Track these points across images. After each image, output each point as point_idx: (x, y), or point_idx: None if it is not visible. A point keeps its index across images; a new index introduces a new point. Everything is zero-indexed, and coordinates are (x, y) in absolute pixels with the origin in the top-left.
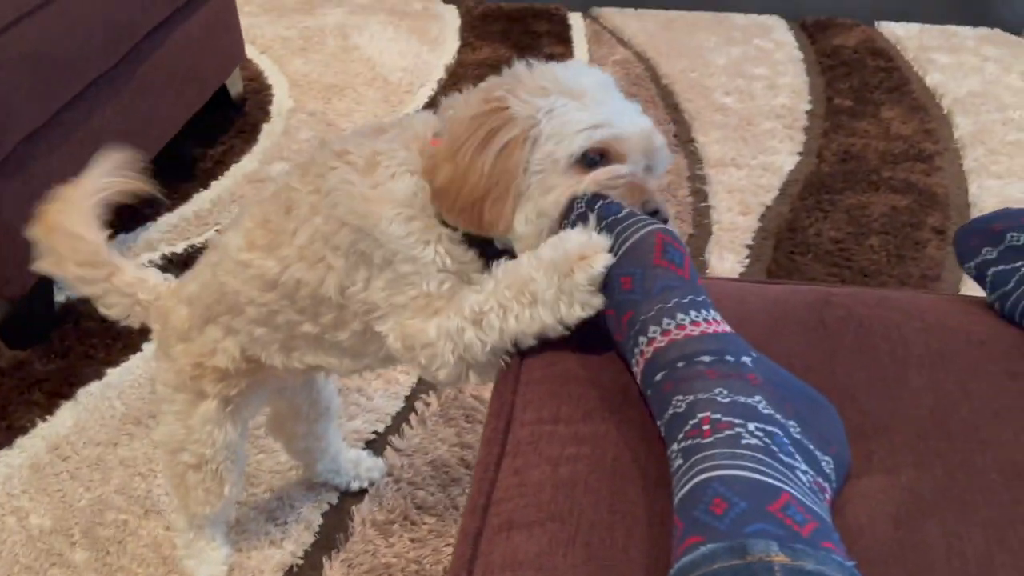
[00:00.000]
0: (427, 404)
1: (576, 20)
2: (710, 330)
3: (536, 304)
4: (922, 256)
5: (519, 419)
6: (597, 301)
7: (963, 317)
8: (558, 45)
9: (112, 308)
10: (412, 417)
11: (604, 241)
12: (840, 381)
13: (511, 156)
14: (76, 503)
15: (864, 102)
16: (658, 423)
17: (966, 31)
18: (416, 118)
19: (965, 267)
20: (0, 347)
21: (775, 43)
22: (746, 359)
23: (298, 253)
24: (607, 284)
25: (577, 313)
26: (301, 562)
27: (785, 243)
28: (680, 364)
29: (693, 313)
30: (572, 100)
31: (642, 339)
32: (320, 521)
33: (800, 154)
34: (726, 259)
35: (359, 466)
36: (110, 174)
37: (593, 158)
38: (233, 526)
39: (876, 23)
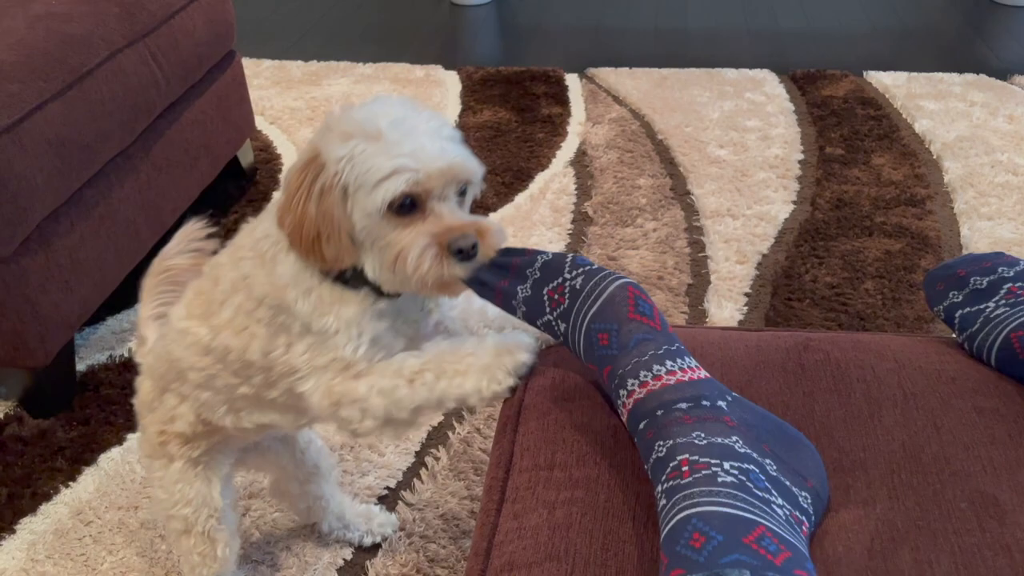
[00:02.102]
0: (437, 459)
1: (573, 81)
2: (686, 378)
3: (467, 374)
4: (917, 298)
5: (517, 466)
6: (510, 383)
7: (934, 356)
8: (556, 106)
9: None
10: (423, 472)
11: (530, 341)
12: (818, 420)
13: (327, 201)
14: (99, 566)
15: (855, 150)
16: (646, 467)
17: (952, 77)
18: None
19: (934, 310)
20: (23, 416)
21: (766, 96)
22: (722, 403)
23: (226, 322)
24: (587, 340)
25: (494, 388)
26: None
27: (782, 290)
28: (659, 412)
29: (669, 363)
30: (370, 143)
31: (623, 392)
32: None
33: (794, 202)
34: (725, 307)
35: (371, 521)
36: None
37: (404, 203)
38: None
39: (864, 73)
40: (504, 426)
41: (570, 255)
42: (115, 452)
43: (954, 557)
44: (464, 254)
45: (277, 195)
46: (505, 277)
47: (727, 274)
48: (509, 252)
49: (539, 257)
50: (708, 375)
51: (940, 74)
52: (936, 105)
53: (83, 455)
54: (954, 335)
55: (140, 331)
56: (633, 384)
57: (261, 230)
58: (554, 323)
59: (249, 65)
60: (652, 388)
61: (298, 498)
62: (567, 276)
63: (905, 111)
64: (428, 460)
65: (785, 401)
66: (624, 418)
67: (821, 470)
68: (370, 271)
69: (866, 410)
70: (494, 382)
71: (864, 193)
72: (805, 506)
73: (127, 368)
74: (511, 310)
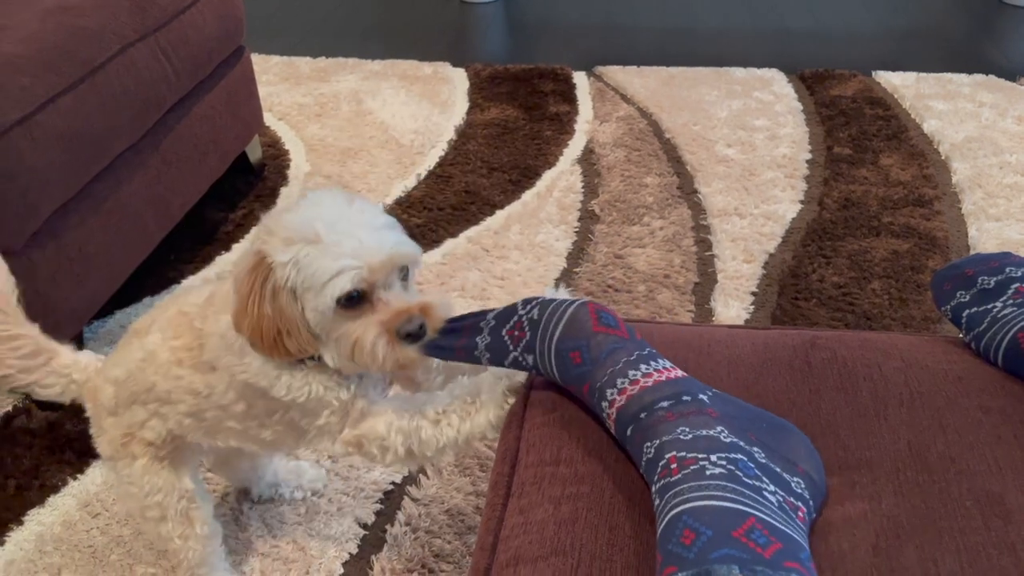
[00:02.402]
0: None
1: (580, 79)
2: (663, 378)
3: (480, 410)
4: (924, 299)
5: (523, 462)
6: (512, 402)
7: (941, 356)
8: (563, 103)
9: (50, 388)
10: (429, 469)
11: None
12: (824, 417)
13: (280, 299)
14: (107, 558)
15: (863, 150)
16: (640, 471)
17: (961, 78)
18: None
19: (941, 310)
20: (32, 409)
21: (775, 95)
22: (703, 396)
23: (222, 390)
24: (560, 362)
25: (501, 414)
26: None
27: (789, 289)
28: (643, 415)
29: (643, 367)
30: (312, 247)
31: (604, 404)
32: (341, 571)
33: (801, 202)
34: (731, 306)
35: (301, 477)
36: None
37: (352, 296)
38: None
39: (873, 73)
40: (510, 422)
41: (520, 300)
42: None
43: (959, 555)
44: (412, 336)
45: (286, 190)
46: (461, 337)
47: (734, 273)
48: (458, 319)
49: (488, 313)
50: (685, 374)
51: (949, 75)
52: (945, 106)
53: (91, 448)
54: (961, 335)
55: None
56: (612, 393)
57: (222, 325)
58: (520, 358)
59: (258, 61)
60: (631, 393)
61: (240, 470)
62: (521, 312)
63: (914, 111)
64: None
65: (791, 399)
66: (612, 429)
67: (813, 454)
68: (330, 361)
69: (872, 408)
70: (501, 408)
71: (872, 193)
72: (799, 491)
73: None
74: (475, 361)
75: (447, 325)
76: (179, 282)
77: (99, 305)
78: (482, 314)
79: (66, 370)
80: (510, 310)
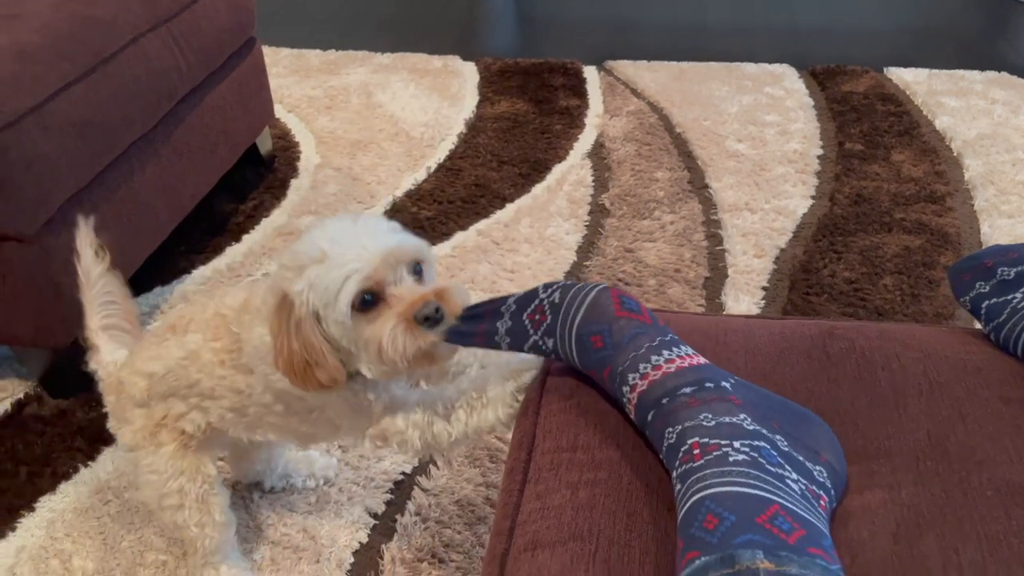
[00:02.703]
0: None
1: (591, 73)
2: (685, 364)
3: (488, 406)
4: (936, 295)
5: (540, 447)
6: (520, 400)
7: (960, 347)
8: (574, 98)
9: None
10: (439, 459)
11: (532, 358)
12: (843, 407)
13: (304, 331)
14: (118, 545)
15: (875, 146)
16: (660, 457)
17: (974, 75)
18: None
19: (960, 301)
20: (43, 396)
21: (786, 91)
22: (726, 383)
23: (260, 388)
24: (580, 346)
25: (510, 412)
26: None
27: (800, 284)
28: (665, 400)
29: (665, 353)
30: (320, 266)
31: (625, 388)
32: (352, 560)
33: (813, 197)
34: (742, 301)
35: (312, 465)
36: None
37: (364, 299)
38: (268, 564)
39: (885, 69)
40: (526, 408)
41: (541, 285)
42: None
43: (980, 544)
44: (431, 320)
45: (296, 182)
46: (481, 323)
47: (745, 268)
48: (478, 305)
49: (509, 298)
50: (707, 361)
51: (961, 71)
52: (957, 102)
53: (102, 435)
54: (980, 325)
55: (92, 340)
56: (634, 378)
57: (258, 335)
58: (540, 342)
59: (268, 53)
60: (654, 378)
61: (257, 461)
62: (542, 296)
63: (926, 108)
64: None
65: (809, 388)
66: (632, 414)
67: (835, 444)
68: (367, 371)
69: (891, 398)
70: (510, 407)
71: (883, 189)
72: (821, 480)
73: None
74: (495, 347)
75: (467, 312)
76: (190, 272)
77: None
78: (503, 300)
79: (96, 366)
80: (531, 294)
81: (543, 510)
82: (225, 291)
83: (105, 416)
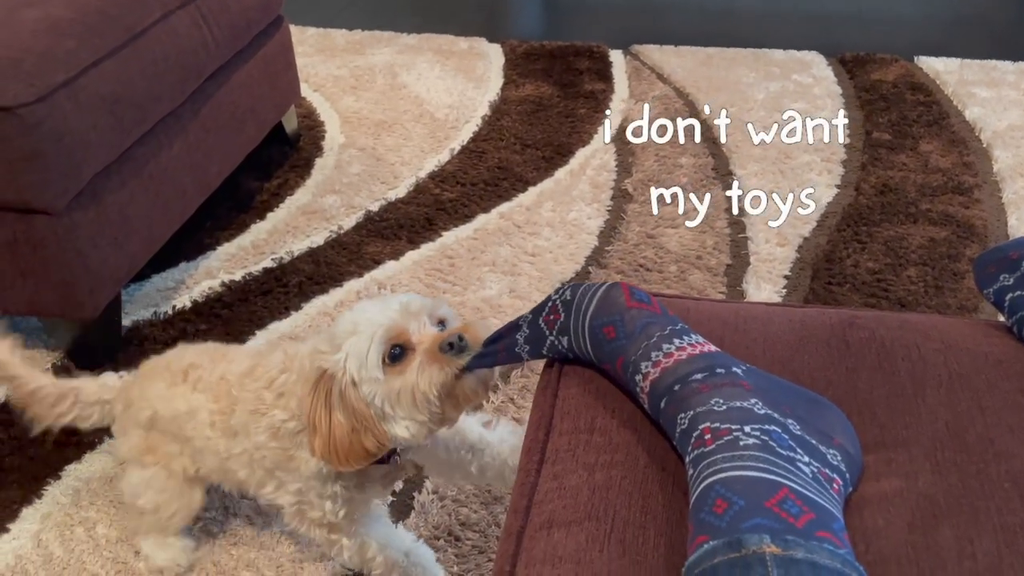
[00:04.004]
0: None
1: (617, 57)
2: (696, 351)
3: None
4: (960, 287)
5: (557, 428)
6: None
7: (982, 339)
8: (599, 82)
9: (89, 419)
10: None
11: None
12: (861, 396)
13: (349, 397)
14: None
15: (903, 136)
16: (674, 443)
17: (1006, 65)
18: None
19: (984, 293)
20: (71, 367)
21: (814, 78)
22: (737, 369)
23: (237, 455)
24: (593, 339)
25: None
26: (351, 573)
27: (822, 274)
28: (676, 387)
29: (676, 341)
30: (353, 337)
31: (638, 377)
32: None
33: (838, 187)
34: (763, 289)
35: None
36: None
37: (393, 353)
38: (288, 540)
39: (915, 58)
40: (544, 389)
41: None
42: None
43: (996, 535)
44: (454, 347)
45: (321, 161)
46: (502, 340)
47: (767, 256)
48: (497, 331)
49: (524, 315)
50: (718, 348)
51: (993, 61)
52: (988, 93)
53: None
54: (1003, 318)
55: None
56: (647, 367)
57: (279, 417)
58: (556, 341)
59: (294, 32)
60: (666, 366)
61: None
62: (554, 297)
63: (956, 98)
64: None
65: (827, 376)
66: (645, 403)
67: (848, 428)
68: (404, 431)
69: (910, 389)
70: None
71: (910, 179)
72: (835, 463)
73: (171, 325)
74: (517, 358)
75: (488, 339)
76: (215, 249)
77: (137, 268)
78: (520, 317)
79: (94, 398)
80: (544, 300)
81: (560, 490)
82: (236, 356)
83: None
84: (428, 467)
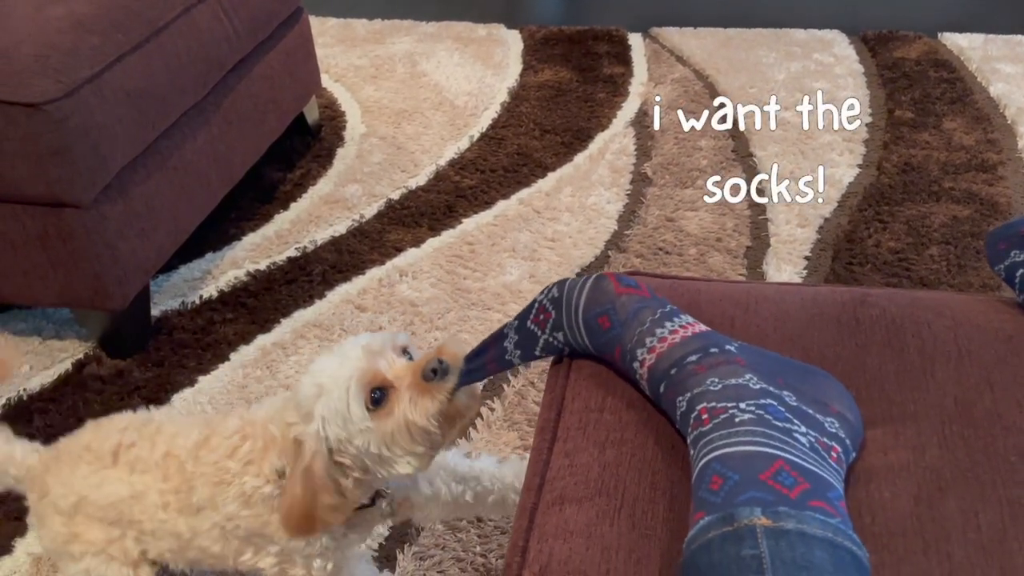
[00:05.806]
0: (492, 410)
1: (636, 40)
2: (688, 333)
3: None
4: (982, 266)
5: (569, 408)
6: None
7: (992, 315)
8: (618, 65)
9: None
10: (478, 422)
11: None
12: (870, 372)
13: (315, 466)
14: None
15: (926, 113)
16: (676, 427)
17: None
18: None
19: (995, 269)
20: (102, 357)
21: (835, 57)
22: (729, 347)
23: (205, 530)
24: (589, 330)
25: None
26: (376, 553)
27: (843, 254)
28: (673, 371)
29: (668, 324)
30: (324, 399)
31: (635, 364)
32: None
33: (859, 166)
34: (784, 270)
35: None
36: None
37: (374, 397)
38: None
39: (939, 35)
40: (557, 371)
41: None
42: (187, 393)
43: (1001, 508)
44: (438, 372)
45: (342, 151)
46: (488, 352)
47: (787, 237)
48: (479, 345)
49: (507, 323)
50: (708, 328)
51: (1019, 36)
52: (1013, 68)
53: (157, 395)
54: (1015, 294)
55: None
56: (642, 353)
57: (252, 484)
58: (550, 339)
59: (314, 23)
60: (661, 351)
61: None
62: (539, 298)
63: (980, 74)
64: (483, 411)
65: (837, 352)
66: (646, 389)
67: (844, 395)
68: (406, 468)
69: (919, 365)
70: None
71: (933, 158)
72: (833, 431)
73: (198, 314)
74: (508, 365)
75: (471, 354)
76: (240, 239)
77: (164, 259)
78: (501, 327)
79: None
80: (528, 306)
81: (571, 467)
82: (176, 428)
83: (159, 376)
84: (414, 509)
